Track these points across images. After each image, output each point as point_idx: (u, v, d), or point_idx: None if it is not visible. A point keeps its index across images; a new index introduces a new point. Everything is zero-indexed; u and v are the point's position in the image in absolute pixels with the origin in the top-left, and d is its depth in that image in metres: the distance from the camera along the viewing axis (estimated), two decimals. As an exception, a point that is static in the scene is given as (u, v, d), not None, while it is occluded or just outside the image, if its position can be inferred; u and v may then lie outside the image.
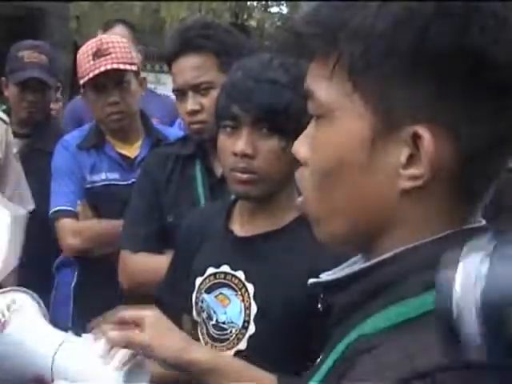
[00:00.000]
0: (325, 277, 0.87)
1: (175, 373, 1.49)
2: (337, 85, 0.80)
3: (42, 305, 1.65)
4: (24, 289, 1.59)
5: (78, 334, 1.57)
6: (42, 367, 1.44)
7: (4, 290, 1.58)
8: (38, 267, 2.74)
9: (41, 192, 2.70)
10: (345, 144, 0.80)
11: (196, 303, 1.66)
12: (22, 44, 3.07)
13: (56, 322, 2.60)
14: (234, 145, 1.55)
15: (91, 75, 2.46)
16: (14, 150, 2.78)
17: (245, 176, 1.55)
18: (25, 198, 2.81)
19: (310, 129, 0.85)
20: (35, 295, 1.61)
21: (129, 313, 1.44)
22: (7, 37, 4.87)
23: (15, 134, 3.01)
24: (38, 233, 2.74)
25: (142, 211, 2.21)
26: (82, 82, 2.53)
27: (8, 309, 1.52)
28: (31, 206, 2.81)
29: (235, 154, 1.55)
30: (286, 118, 1.50)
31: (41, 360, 1.44)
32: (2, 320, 1.50)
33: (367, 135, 0.78)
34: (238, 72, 1.60)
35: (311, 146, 0.84)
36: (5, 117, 2.76)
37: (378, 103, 0.77)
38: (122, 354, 1.37)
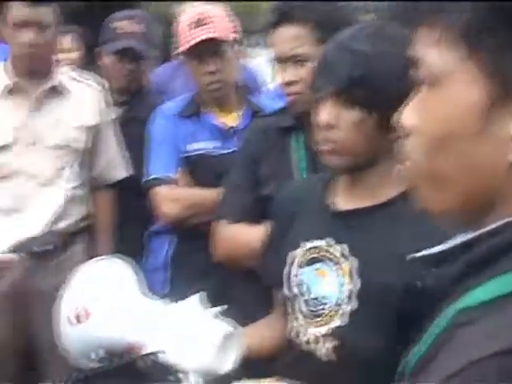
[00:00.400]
0: (428, 251, 0.85)
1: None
2: (449, 51, 0.77)
3: (139, 272, 1.67)
4: (119, 256, 1.60)
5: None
6: (135, 335, 1.44)
7: (101, 257, 1.60)
8: (131, 235, 2.79)
9: (138, 159, 2.72)
10: (456, 112, 0.77)
11: (289, 277, 1.63)
12: (117, 15, 3.10)
13: (151, 289, 2.65)
14: (318, 116, 1.55)
15: (191, 43, 2.47)
16: (110, 117, 2.82)
17: (326, 146, 1.55)
18: (122, 164, 2.87)
19: (417, 98, 0.83)
20: (130, 263, 1.62)
21: None
22: (102, 8, 4.95)
23: (114, 103, 3.06)
24: (134, 200, 2.79)
25: (241, 182, 2.20)
26: (180, 50, 2.55)
27: (104, 277, 1.54)
28: (128, 173, 2.86)
29: (319, 126, 1.55)
30: (367, 89, 1.48)
31: (134, 327, 1.45)
32: (98, 287, 1.52)
33: (481, 103, 0.76)
34: (329, 43, 1.59)
35: (420, 115, 0.82)
36: (101, 83, 2.81)
37: (494, 71, 0.75)
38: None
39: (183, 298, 1.54)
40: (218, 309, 1.45)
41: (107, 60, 3.06)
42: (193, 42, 2.46)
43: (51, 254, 2.65)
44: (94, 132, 2.75)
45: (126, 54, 3.01)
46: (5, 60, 2.70)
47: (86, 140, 2.72)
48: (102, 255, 2.68)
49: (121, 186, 2.89)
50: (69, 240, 2.71)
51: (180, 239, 2.61)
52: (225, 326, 1.41)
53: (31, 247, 2.58)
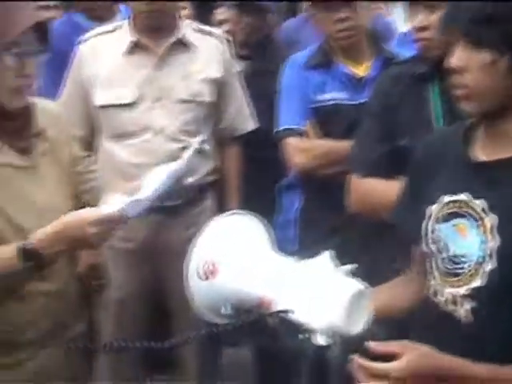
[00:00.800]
0: None
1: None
2: None
3: (268, 227, 1.63)
4: (249, 212, 1.57)
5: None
6: (265, 291, 1.41)
7: (230, 212, 1.57)
8: (262, 188, 2.76)
9: (266, 112, 2.68)
10: None
11: (426, 233, 1.54)
12: None
13: (280, 245, 2.63)
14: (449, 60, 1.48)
15: None
16: (236, 69, 2.77)
17: (459, 91, 1.48)
18: (249, 115, 2.82)
19: None
20: (261, 218, 1.59)
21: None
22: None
23: (238, 56, 3.02)
24: (264, 152, 2.75)
25: (373, 133, 2.11)
26: (310, 2, 2.49)
27: (233, 231, 1.51)
28: (254, 125, 2.82)
29: (450, 70, 1.48)
30: (496, 30, 1.41)
31: (264, 284, 1.42)
32: (228, 242, 1.49)
33: None
34: None
35: None
36: (224, 35, 2.77)
37: None
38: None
39: (312, 256, 1.49)
40: (348, 267, 1.38)
41: (226, 14, 3.02)
42: None
43: (181, 208, 2.66)
44: (220, 84, 2.71)
45: (244, 8, 2.95)
46: (128, 17, 2.69)
47: (212, 93, 2.68)
48: (232, 208, 2.74)
49: (250, 139, 2.84)
50: (198, 195, 2.71)
51: (309, 193, 2.56)
52: (355, 285, 1.34)
53: (161, 202, 2.58)
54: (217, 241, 1.53)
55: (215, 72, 2.69)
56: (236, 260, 1.48)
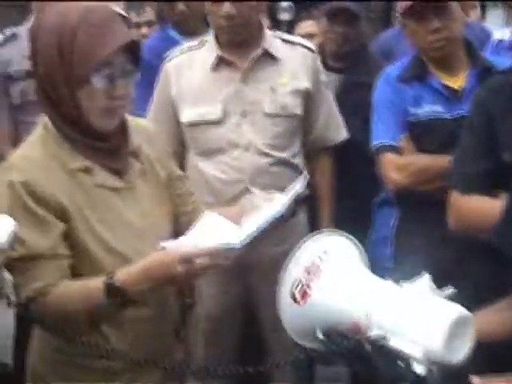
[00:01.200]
0: None
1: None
2: None
3: (361, 247, 1.59)
4: (341, 231, 1.53)
5: (397, 279, 1.47)
6: (359, 315, 1.36)
7: (321, 232, 1.53)
8: (358, 202, 2.70)
9: (361, 126, 2.62)
10: None
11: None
12: None
13: (374, 262, 2.56)
14: None
15: (410, 3, 2.33)
16: (324, 79, 2.71)
17: None
18: (338, 126, 2.75)
19: None
20: (353, 238, 1.54)
21: None
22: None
23: (330, 68, 2.97)
24: (360, 167, 2.69)
25: (474, 148, 2.03)
26: (400, 10, 2.42)
27: (326, 253, 1.47)
28: (344, 135, 2.75)
29: None
30: None
31: (358, 308, 1.37)
32: (320, 264, 1.45)
33: None
34: None
35: None
36: (311, 45, 2.70)
37: None
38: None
39: (408, 275, 1.43)
40: (449, 290, 1.31)
41: (314, 26, 2.98)
42: None
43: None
44: (308, 95, 2.64)
45: (337, 16, 2.89)
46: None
47: (300, 105, 2.61)
48: (324, 225, 2.70)
49: (344, 154, 2.78)
50: (289, 210, 2.67)
51: (405, 210, 2.49)
52: (457, 310, 1.27)
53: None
54: (310, 260, 1.50)
55: (303, 83, 2.62)
56: (328, 282, 1.44)
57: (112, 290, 1.58)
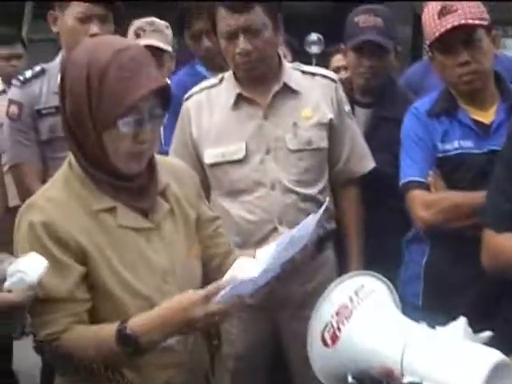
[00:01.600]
0: None
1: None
2: None
3: (392, 288, 1.56)
4: (372, 272, 1.50)
5: (428, 320, 1.44)
6: (391, 360, 1.33)
7: (352, 273, 1.50)
8: (389, 239, 2.66)
9: (391, 162, 2.59)
10: None
11: None
12: (358, 9, 2.96)
13: (404, 300, 2.51)
14: None
15: (437, 34, 2.29)
16: (347, 108, 2.68)
17: None
18: (364, 156, 2.71)
19: None
20: (385, 279, 1.51)
21: None
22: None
23: (359, 104, 2.95)
24: (390, 203, 2.65)
25: (508, 184, 2.00)
26: (428, 43, 2.38)
27: (356, 294, 1.44)
28: (371, 165, 2.71)
29: None
30: None
31: (390, 352, 1.34)
32: (350, 307, 1.43)
33: None
34: None
35: None
36: (332, 75, 2.68)
37: None
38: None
39: (439, 314, 1.40)
40: (485, 334, 1.28)
41: (350, 56, 2.95)
42: (443, 30, 2.27)
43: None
44: (332, 126, 2.59)
45: (365, 50, 2.87)
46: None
47: (325, 137, 2.56)
48: (353, 261, 2.65)
49: (373, 188, 2.73)
50: (317, 247, 2.63)
51: (436, 247, 2.43)
52: (495, 355, 1.23)
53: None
54: (338, 305, 1.47)
55: (326, 115, 2.57)
56: (360, 325, 1.42)
57: (124, 338, 1.54)
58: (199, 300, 1.51)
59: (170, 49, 3.51)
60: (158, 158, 1.79)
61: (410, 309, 2.37)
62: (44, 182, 2.73)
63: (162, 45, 3.46)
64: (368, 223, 2.71)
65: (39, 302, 1.54)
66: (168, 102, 1.68)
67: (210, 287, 1.52)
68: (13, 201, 2.87)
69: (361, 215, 2.73)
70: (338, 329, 1.41)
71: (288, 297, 2.51)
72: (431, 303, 2.35)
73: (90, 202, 1.64)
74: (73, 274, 1.59)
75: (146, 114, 1.61)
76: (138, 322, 1.56)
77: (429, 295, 2.42)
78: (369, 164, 2.71)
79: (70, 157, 1.70)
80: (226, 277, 1.53)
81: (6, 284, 1.40)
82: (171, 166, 1.85)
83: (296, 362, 2.58)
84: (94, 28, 2.70)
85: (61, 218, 1.60)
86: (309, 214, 2.45)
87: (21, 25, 8.91)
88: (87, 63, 1.60)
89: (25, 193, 2.82)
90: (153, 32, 3.46)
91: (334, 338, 1.42)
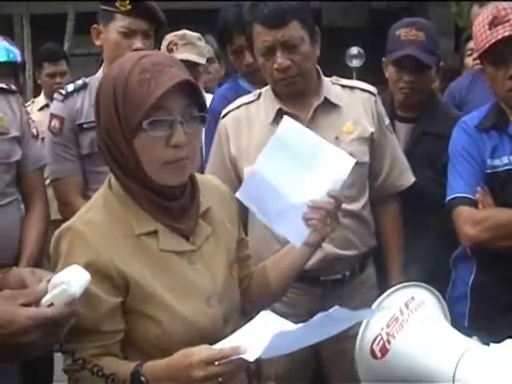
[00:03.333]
0: None
1: None
2: None
3: (443, 301, 1.52)
4: (424, 284, 1.47)
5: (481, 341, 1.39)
6: (442, 375, 1.29)
7: (403, 284, 1.47)
8: (431, 257, 2.58)
9: (434, 177, 2.55)
10: None
11: None
12: (400, 22, 2.91)
13: (452, 318, 2.45)
14: None
15: (487, 45, 2.24)
16: (387, 122, 2.63)
17: None
18: (404, 170, 2.66)
19: None
20: (435, 291, 1.48)
21: None
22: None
23: (400, 118, 2.90)
24: (433, 220, 2.60)
25: None
26: (478, 54, 2.33)
27: (406, 306, 1.41)
28: (411, 179, 2.66)
29: None
30: None
31: (442, 367, 1.30)
32: (401, 319, 1.40)
33: None
34: None
35: None
36: (371, 88, 2.61)
37: None
38: None
39: (484, 335, 1.35)
40: None
41: (390, 71, 2.90)
42: (493, 41, 2.22)
43: (342, 281, 2.52)
44: (373, 141, 2.54)
45: (404, 65, 2.82)
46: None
47: (366, 152, 2.52)
48: (393, 277, 2.59)
49: (418, 205, 2.67)
50: (359, 266, 2.57)
51: (483, 266, 2.37)
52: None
53: (318, 276, 2.46)
54: (388, 317, 1.44)
55: (367, 129, 2.52)
56: (410, 338, 1.39)
57: (137, 382, 1.50)
58: (200, 363, 1.44)
59: (203, 61, 3.49)
60: (200, 177, 1.75)
61: (456, 328, 2.33)
62: (85, 196, 2.75)
63: (194, 58, 3.45)
64: (413, 242, 2.65)
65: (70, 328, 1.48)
66: (199, 102, 1.60)
67: (214, 352, 1.45)
68: (55, 214, 2.89)
69: (401, 230, 2.67)
70: (388, 341, 1.39)
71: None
72: (478, 324, 2.29)
73: (130, 225, 1.59)
74: (102, 306, 1.54)
75: (176, 115, 1.54)
76: (151, 366, 1.51)
77: (475, 316, 2.36)
78: (410, 178, 2.66)
79: (110, 176, 1.65)
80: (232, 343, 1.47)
81: (48, 296, 1.36)
82: (213, 186, 1.80)
83: (336, 380, 2.53)
84: (138, 43, 2.71)
85: (100, 244, 1.55)
86: (351, 230, 2.45)
87: (63, 38, 9.03)
88: (115, 75, 1.57)
89: (65, 207, 2.83)
90: (185, 46, 3.46)
91: (384, 351, 1.40)
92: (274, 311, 1.65)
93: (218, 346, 1.48)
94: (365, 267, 2.60)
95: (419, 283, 1.53)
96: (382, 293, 2.54)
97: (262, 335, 1.44)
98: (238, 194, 1.82)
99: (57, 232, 1.61)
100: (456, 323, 2.37)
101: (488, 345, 1.42)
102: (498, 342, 2.01)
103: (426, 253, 2.59)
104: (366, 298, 2.52)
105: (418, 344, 1.40)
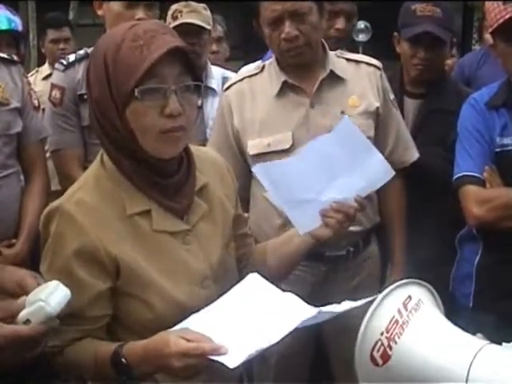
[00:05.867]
0: None
1: None
2: None
3: (437, 297, 1.48)
4: (418, 281, 1.42)
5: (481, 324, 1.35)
6: (454, 377, 1.25)
7: (396, 284, 1.42)
8: (438, 236, 2.57)
9: (442, 155, 2.50)
10: None
11: None
12: None
13: (455, 300, 2.41)
14: None
15: (501, 21, 2.17)
16: (392, 97, 2.57)
17: None
18: (409, 146, 2.61)
19: None
20: (430, 287, 1.43)
21: None
22: None
23: (409, 94, 2.85)
24: (441, 199, 2.56)
25: None
26: (490, 30, 2.26)
27: (405, 307, 1.37)
28: (415, 155, 2.61)
29: None
30: None
31: (453, 369, 1.26)
32: (400, 322, 1.35)
33: None
34: None
35: None
36: (376, 62, 2.55)
37: None
38: None
39: (488, 316, 1.32)
40: None
41: (403, 46, 2.83)
42: (507, 16, 2.15)
43: (346, 258, 2.49)
44: (378, 115, 2.49)
45: (420, 41, 2.74)
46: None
47: (371, 126, 2.46)
48: (395, 253, 2.55)
49: (424, 183, 2.63)
50: (362, 242, 2.54)
51: (489, 246, 2.33)
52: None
53: (323, 252, 2.42)
54: (386, 321, 1.40)
55: (373, 103, 2.48)
56: (412, 343, 1.34)
57: (118, 365, 1.47)
58: (178, 354, 1.39)
59: (208, 26, 3.42)
60: (196, 150, 1.67)
61: (460, 309, 2.30)
62: (85, 168, 2.71)
63: (199, 22, 3.38)
64: (418, 221, 2.61)
65: None
66: (193, 70, 1.53)
67: (192, 346, 1.39)
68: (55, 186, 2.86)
69: (404, 207, 2.63)
70: (389, 346, 1.34)
71: (333, 294, 2.41)
72: (482, 305, 2.26)
73: (122, 205, 1.53)
74: (88, 292, 1.50)
75: (170, 84, 1.47)
76: (131, 349, 1.48)
77: (480, 297, 2.33)
78: (414, 154, 2.62)
79: (102, 153, 1.59)
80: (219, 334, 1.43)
81: (24, 312, 1.32)
82: (211, 159, 1.73)
83: (337, 360, 2.53)
84: (140, 13, 2.65)
85: (90, 227, 1.50)
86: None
87: (68, 10, 8.96)
88: (105, 46, 1.51)
89: (65, 178, 2.80)
90: (190, 12, 3.39)
91: (385, 357, 1.35)
92: (278, 287, 1.61)
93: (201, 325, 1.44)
94: (368, 243, 2.57)
95: (414, 280, 1.48)
96: (384, 269, 2.53)
97: (246, 324, 1.43)
98: (255, 168, 1.78)
99: (46, 211, 1.55)
100: (460, 304, 2.35)
101: (492, 342, 1.37)
102: (504, 323, 1.98)
103: (434, 232, 2.56)
104: (368, 274, 2.54)
105: (425, 345, 1.35)
